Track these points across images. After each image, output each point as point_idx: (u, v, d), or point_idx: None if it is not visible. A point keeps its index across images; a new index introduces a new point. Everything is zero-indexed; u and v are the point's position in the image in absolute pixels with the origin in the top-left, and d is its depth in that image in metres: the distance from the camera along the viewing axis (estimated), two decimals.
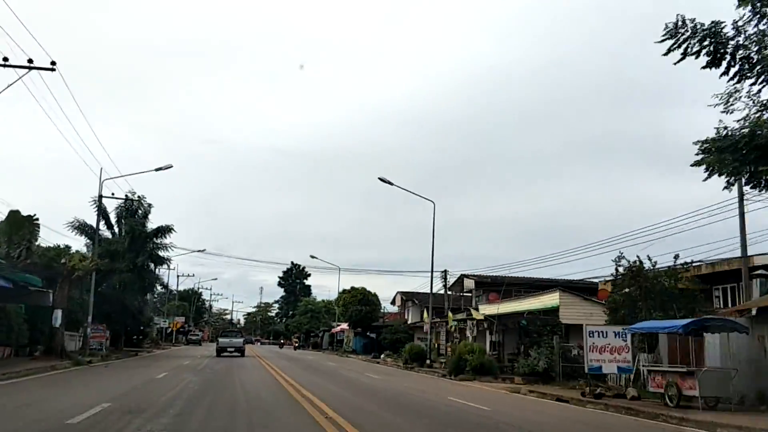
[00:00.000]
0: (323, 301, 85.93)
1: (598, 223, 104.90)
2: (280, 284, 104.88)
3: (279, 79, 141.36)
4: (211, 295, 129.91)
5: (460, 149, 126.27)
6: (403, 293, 58.02)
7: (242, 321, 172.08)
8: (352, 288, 56.49)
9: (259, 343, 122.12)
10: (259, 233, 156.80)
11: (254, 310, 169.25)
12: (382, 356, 45.29)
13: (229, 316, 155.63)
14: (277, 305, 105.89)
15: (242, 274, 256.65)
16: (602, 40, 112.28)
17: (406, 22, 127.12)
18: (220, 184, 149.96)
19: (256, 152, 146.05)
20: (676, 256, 19.79)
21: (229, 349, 39.62)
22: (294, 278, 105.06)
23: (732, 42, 10.63)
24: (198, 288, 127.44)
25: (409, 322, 51.68)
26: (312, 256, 61.21)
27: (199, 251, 59.52)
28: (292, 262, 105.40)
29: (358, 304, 54.04)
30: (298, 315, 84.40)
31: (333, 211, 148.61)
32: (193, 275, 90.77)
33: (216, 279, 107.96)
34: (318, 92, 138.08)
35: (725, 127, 11.08)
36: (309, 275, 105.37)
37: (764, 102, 10.84)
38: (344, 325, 62.58)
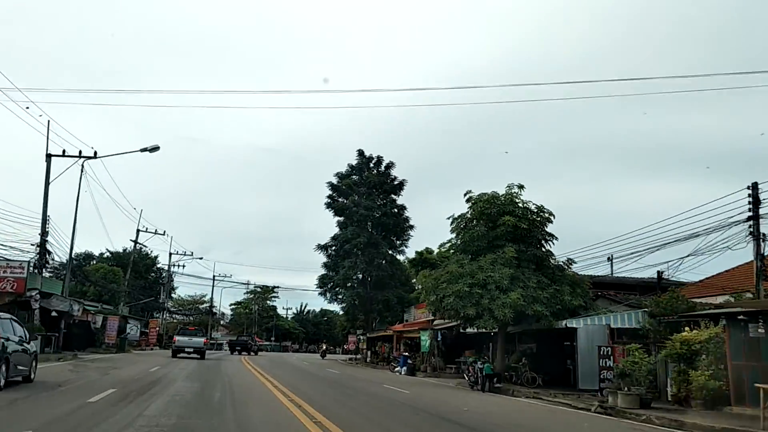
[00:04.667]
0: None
1: (588, 224, 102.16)
2: (329, 205, 41.89)
3: (264, 78, 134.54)
4: (170, 257, 67.25)
5: (446, 150, 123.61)
6: None
7: (228, 313, 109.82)
8: None
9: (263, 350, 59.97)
10: (243, 232, 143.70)
11: (247, 297, 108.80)
12: None
13: (206, 305, 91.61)
14: (326, 256, 42.37)
15: (228, 272, 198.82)
16: (589, 41, 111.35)
17: (390, 22, 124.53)
18: (203, 182, 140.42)
19: (239, 150, 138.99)
20: None
21: (186, 350, 32.29)
22: (369, 187, 42.10)
23: None
24: (150, 251, 66.42)
25: None
26: None
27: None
28: (360, 151, 42.89)
29: None
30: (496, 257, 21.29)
31: (320, 210, 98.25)
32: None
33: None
34: (302, 90, 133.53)
35: None
36: (402, 185, 42.71)
37: None
38: None
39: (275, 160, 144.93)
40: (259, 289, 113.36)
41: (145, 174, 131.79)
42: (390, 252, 41.36)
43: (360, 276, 40.65)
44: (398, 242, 42.21)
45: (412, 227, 41.83)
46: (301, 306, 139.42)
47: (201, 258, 67.46)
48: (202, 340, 34.50)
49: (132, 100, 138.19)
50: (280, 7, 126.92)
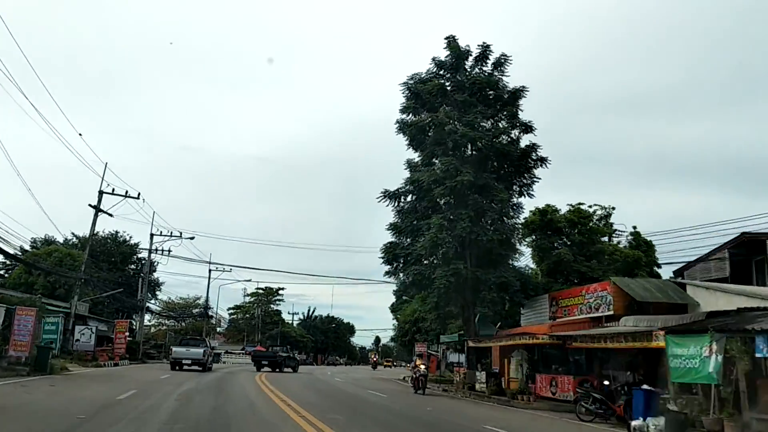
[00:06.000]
0: None
1: None
2: (403, 127, 24.83)
3: (258, 86, 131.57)
4: (152, 237, 50.59)
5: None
6: None
7: (226, 317, 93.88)
8: None
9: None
10: (237, 241, 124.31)
11: (248, 301, 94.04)
12: None
13: (199, 309, 74.25)
14: (395, 211, 25.23)
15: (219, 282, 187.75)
16: (586, 47, 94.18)
17: (386, 32, 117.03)
18: (197, 191, 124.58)
19: (233, 159, 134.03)
20: None
21: (185, 362, 29.87)
22: (471, 93, 24.89)
23: None
24: (129, 237, 49.16)
25: None
26: None
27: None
28: (450, 39, 25.83)
29: None
30: None
31: (312, 218, 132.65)
32: None
33: None
34: (297, 99, 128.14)
35: None
36: (519, 94, 25.67)
37: None
38: None
39: (268, 168, 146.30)
40: (261, 291, 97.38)
41: (136, 179, 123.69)
42: (507, 204, 24.42)
43: (455, 244, 23.73)
44: (516, 188, 25.41)
45: (543, 161, 24.93)
46: (309, 311, 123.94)
47: (192, 238, 50.15)
48: (201, 350, 31.35)
49: (125, 108, 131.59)
50: (270, 17, 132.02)
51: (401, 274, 25.13)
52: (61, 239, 53.87)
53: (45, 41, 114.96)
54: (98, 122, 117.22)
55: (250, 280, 72.14)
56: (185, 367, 29.67)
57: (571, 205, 28.24)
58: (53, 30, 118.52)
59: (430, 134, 24.90)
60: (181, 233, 49.89)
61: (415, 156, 26.65)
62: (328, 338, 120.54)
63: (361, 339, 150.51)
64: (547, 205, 27.96)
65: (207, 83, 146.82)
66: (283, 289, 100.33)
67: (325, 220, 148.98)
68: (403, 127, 25.27)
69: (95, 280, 39.87)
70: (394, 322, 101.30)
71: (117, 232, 56.09)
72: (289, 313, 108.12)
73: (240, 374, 29.67)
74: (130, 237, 55.76)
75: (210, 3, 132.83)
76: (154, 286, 59.58)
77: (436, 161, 24.58)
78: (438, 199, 24.11)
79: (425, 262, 24.84)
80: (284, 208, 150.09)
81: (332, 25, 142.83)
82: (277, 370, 34.71)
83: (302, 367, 43.19)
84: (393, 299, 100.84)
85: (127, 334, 38.56)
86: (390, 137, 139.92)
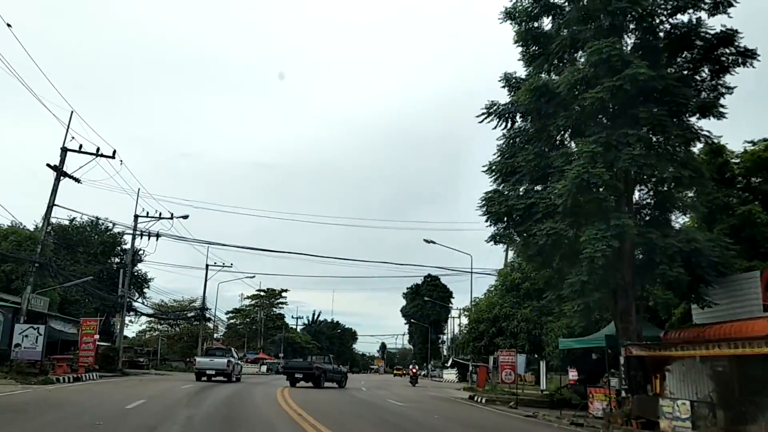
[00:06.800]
0: None
1: None
2: (511, 12, 15.27)
3: (258, 92, 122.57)
4: (136, 219, 40.36)
5: (434, 166, 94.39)
6: None
7: (224, 320, 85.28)
8: None
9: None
10: (241, 214, 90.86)
11: (248, 304, 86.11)
12: None
13: (195, 312, 64.26)
14: (504, 144, 15.50)
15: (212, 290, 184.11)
16: None
17: (388, 42, 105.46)
18: (196, 197, 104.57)
19: (232, 165, 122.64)
20: None
21: (208, 372, 29.58)
22: None
23: None
24: (110, 225, 39.31)
25: None
26: None
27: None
28: None
29: None
30: None
31: (310, 225, 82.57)
32: None
33: None
34: (297, 106, 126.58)
35: None
36: None
37: None
38: None
39: (268, 174, 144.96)
40: (263, 293, 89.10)
41: (134, 186, 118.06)
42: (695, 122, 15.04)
43: (617, 185, 14.35)
44: (695, 100, 15.98)
45: (748, 56, 15.34)
46: (313, 315, 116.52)
47: (186, 217, 40.33)
48: (225, 360, 30.40)
49: (125, 114, 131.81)
50: (270, 23, 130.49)
51: (516, 236, 15.65)
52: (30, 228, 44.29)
53: (44, 47, 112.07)
54: (95, 128, 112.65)
55: (253, 276, 62.34)
56: (212, 379, 28.90)
57: (750, 142, 18.85)
58: (52, 35, 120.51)
59: (552, 29, 15.57)
60: (172, 214, 40.17)
61: (519, 67, 17.33)
62: (333, 344, 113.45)
63: (362, 345, 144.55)
64: (717, 143, 18.52)
65: (208, 89, 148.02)
66: (286, 290, 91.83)
67: (327, 224, 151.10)
68: (515, 5, 15.80)
69: (55, 266, 30.25)
70: (407, 325, 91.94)
71: (98, 219, 46.66)
72: (293, 317, 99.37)
73: (255, 392, 20.49)
74: (113, 225, 46.19)
75: (214, 9, 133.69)
76: (141, 281, 50.06)
77: (587, 50, 15.12)
78: (589, 112, 14.64)
79: (542, 222, 15.32)
80: (282, 212, 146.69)
81: (336, 37, 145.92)
82: (317, 385, 26.31)
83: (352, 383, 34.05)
84: (398, 303, 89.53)
85: (97, 337, 28.95)
86: (381, 146, 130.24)
